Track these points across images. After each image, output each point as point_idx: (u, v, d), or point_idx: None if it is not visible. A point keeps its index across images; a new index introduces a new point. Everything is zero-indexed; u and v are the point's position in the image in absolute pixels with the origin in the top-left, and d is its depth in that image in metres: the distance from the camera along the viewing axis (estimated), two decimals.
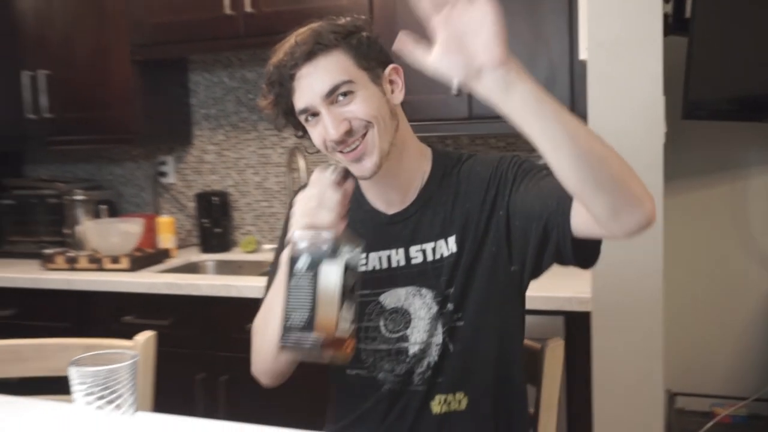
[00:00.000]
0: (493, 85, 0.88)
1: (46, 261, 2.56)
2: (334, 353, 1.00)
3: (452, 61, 0.88)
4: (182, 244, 2.87)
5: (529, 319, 1.32)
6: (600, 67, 1.79)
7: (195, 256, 2.74)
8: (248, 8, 2.42)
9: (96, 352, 1.05)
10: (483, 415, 1.22)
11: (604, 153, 0.94)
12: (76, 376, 1.00)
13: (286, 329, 1.01)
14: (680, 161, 2.30)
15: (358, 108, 1.14)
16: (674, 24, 2.00)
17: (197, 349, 2.27)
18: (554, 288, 1.93)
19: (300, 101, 1.15)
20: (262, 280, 1.38)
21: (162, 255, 2.66)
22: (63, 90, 2.71)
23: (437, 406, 1.21)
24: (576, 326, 1.90)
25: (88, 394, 1.01)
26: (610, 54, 1.77)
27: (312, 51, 1.14)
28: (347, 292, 1.00)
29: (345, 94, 1.14)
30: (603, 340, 1.85)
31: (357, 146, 1.14)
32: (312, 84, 1.14)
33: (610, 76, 1.78)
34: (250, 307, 1.34)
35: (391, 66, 1.23)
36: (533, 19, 2.15)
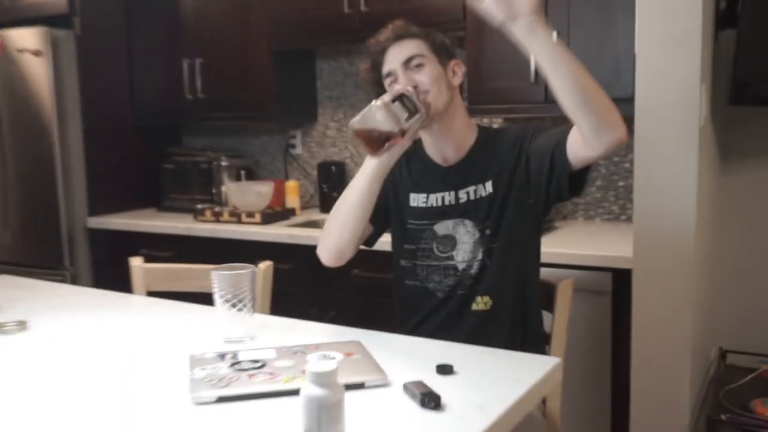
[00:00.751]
0: (523, 28, 1.32)
1: (197, 214, 3.17)
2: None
3: (500, 8, 1.31)
4: (305, 205, 3.40)
5: (581, 273, 1.69)
6: (647, 62, 2.09)
7: (315, 215, 3.26)
8: (363, 8, 2.87)
9: (230, 265, 1.55)
10: (505, 315, 1.62)
11: (593, 89, 1.36)
12: (215, 278, 1.51)
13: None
14: (738, 142, 2.53)
15: (424, 76, 1.59)
16: (726, 19, 2.24)
17: (310, 288, 2.79)
18: (603, 248, 2.27)
19: (386, 67, 1.62)
20: None
21: (288, 213, 3.20)
22: (214, 75, 3.31)
23: (475, 305, 1.62)
24: (621, 282, 2.23)
25: (221, 294, 1.51)
26: (655, 50, 2.07)
27: (400, 35, 1.61)
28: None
29: (418, 66, 1.59)
30: (642, 294, 2.16)
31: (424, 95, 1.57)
32: (396, 55, 1.61)
33: (655, 70, 2.08)
34: (363, 255, 1.79)
35: (455, 60, 1.65)
36: (605, 15, 2.45)
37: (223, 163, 3.40)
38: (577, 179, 1.54)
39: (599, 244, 2.42)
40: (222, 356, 1.32)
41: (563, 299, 1.66)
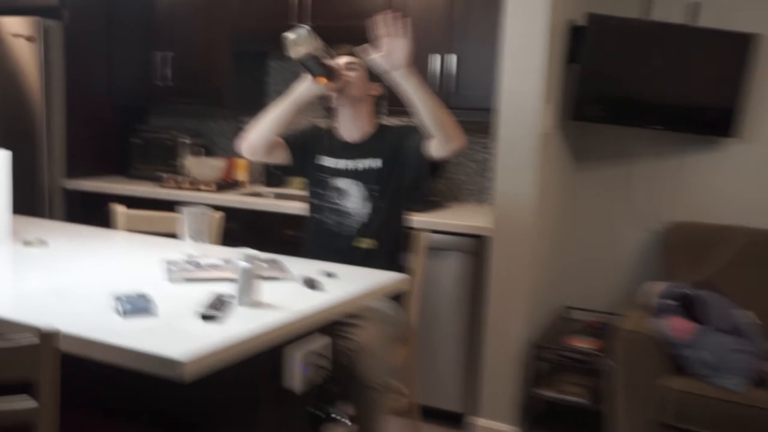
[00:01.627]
0: (400, 76, 2.08)
1: (161, 182, 3.83)
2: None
3: (385, 61, 2.06)
4: (252, 180, 4.09)
5: (457, 238, 2.45)
6: (507, 85, 2.86)
7: (259, 188, 3.95)
8: (310, 22, 3.58)
9: (193, 205, 2.25)
10: (384, 254, 2.35)
11: (443, 115, 2.14)
12: (184, 212, 2.20)
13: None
14: (589, 148, 3.34)
15: (353, 74, 2.32)
16: (572, 56, 3.03)
17: (251, 245, 3.47)
18: (472, 220, 3.04)
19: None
20: (298, 205, 2.56)
21: (237, 184, 3.90)
22: (181, 67, 3.97)
23: (362, 244, 2.35)
24: (484, 245, 3.00)
25: (187, 224, 2.20)
26: (512, 77, 2.84)
27: (350, 53, 2.35)
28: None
29: (352, 68, 2.32)
30: (497, 255, 2.94)
31: (350, 88, 2.32)
32: (343, 58, 2.35)
33: (512, 91, 2.85)
34: (291, 220, 2.50)
35: (378, 83, 2.38)
36: (491, 45, 3.20)
37: (184, 141, 4.07)
38: (435, 167, 2.28)
39: (470, 217, 3.19)
40: (186, 261, 2.02)
41: (419, 245, 2.41)
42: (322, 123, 2.57)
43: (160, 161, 4.11)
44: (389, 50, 2.07)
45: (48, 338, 1.21)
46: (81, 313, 1.52)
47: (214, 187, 3.72)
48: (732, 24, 3.04)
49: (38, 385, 1.21)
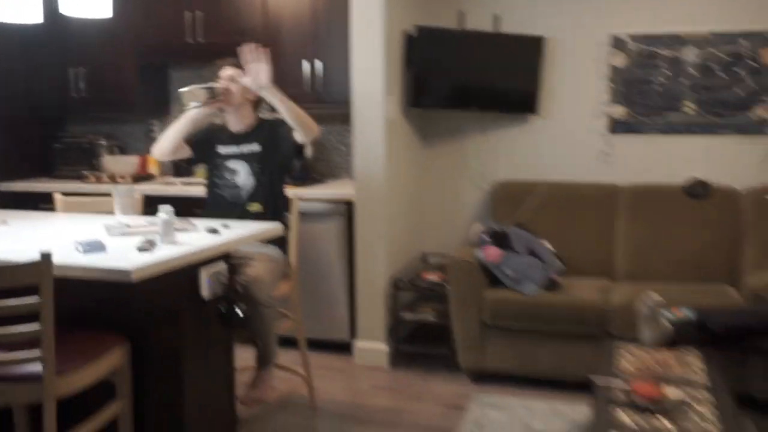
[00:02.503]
0: (266, 92, 2.94)
1: (83, 179, 4.52)
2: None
3: (253, 83, 2.91)
4: (163, 172, 4.82)
5: (332, 205, 3.33)
6: (358, 81, 3.74)
7: (169, 178, 4.69)
8: (201, 40, 4.36)
9: (122, 186, 3.01)
10: (269, 215, 3.17)
11: (302, 116, 3.00)
12: (116, 190, 2.97)
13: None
14: (432, 129, 4.28)
15: (233, 87, 3.11)
16: (408, 58, 3.95)
17: None
18: (342, 190, 3.91)
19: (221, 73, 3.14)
20: (202, 189, 3.37)
21: (150, 177, 4.64)
22: (94, 80, 4.66)
23: (252, 208, 3.17)
24: (350, 209, 3.88)
25: (118, 200, 2.97)
26: (361, 75, 3.72)
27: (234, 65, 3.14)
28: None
29: (234, 81, 3.12)
30: (360, 216, 3.82)
31: (231, 97, 3.12)
32: (227, 71, 3.15)
33: (362, 85, 3.73)
34: (198, 201, 3.29)
35: (254, 92, 3.19)
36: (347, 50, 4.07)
37: (102, 143, 4.77)
38: (299, 150, 3.13)
39: (341, 188, 4.06)
40: (120, 224, 2.80)
41: (294, 208, 3.27)
42: (218, 120, 3.38)
43: (82, 161, 4.79)
44: (255, 74, 2.92)
45: (46, 258, 1.98)
46: (54, 253, 2.29)
47: (130, 180, 4.44)
48: (526, 30, 4.03)
49: (41, 286, 1.98)
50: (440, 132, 4.35)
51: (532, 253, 3.62)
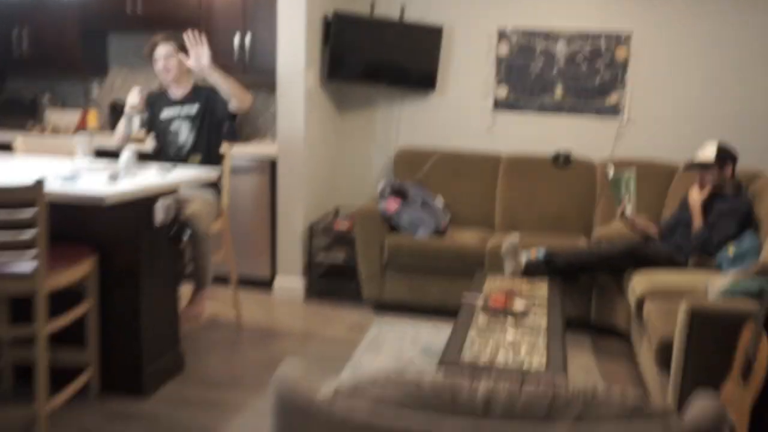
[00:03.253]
0: (206, 71, 3.55)
1: (27, 129, 4.95)
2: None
3: (195, 65, 3.52)
4: (101, 127, 5.30)
5: (259, 162, 3.92)
6: (282, 55, 4.36)
7: (107, 132, 5.17)
8: (139, 11, 4.85)
9: (82, 133, 3.55)
10: (208, 163, 3.77)
11: (237, 89, 3.62)
12: (77, 136, 3.50)
13: None
14: (346, 100, 4.95)
15: (171, 63, 3.69)
16: (326, 38, 4.60)
17: None
18: (268, 149, 4.55)
19: (156, 54, 3.70)
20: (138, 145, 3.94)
21: (89, 130, 5.11)
22: (37, 41, 5.07)
23: (193, 161, 3.77)
24: (274, 166, 4.52)
25: (79, 145, 3.51)
26: (285, 48, 4.35)
27: (166, 39, 3.69)
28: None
29: (169, 57, 3.69)
30: (282, 173, 4.47)
31: (170, 72, 3.69)
32: (161, 50, 3.71)
33: (285, 58, 4.36)
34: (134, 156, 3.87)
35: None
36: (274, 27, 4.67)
37: (45, 97, 5.19)
38: (233, 115, 3.76)
39: (267, 147, 4.69)
40: (80, 169, 3.34)
41: (227, 160, 3.89)
42: (156, 89, 3.92)
43: (26, 114, 5.20)
44: (196, 57, 3.51)
45: (40, 182, 2.55)
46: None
47: (71, 132, 4.91)
48: (428, 19, 4.76)
49: (37, 202, 2.54)
50: (353, 103, 5.04)
51: (426, 205, 4.38)
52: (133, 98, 3.67)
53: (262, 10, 4.65)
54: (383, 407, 1.13)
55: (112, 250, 2.99)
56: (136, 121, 3.71)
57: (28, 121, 5.12)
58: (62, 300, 2.84)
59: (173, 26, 4.22)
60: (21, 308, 2.91)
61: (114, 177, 2.95)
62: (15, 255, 2.59)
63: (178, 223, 3.24)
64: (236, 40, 4.72)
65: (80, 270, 2.82)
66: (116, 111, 5.22)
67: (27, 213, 2.54)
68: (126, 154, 3.05)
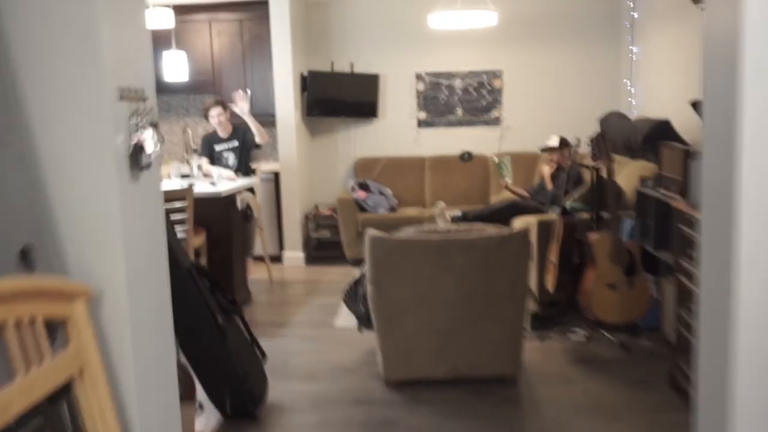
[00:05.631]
0: (247, 117, 5.73)
1: None
2: None
3: (241, 113, 5.74)
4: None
5: (269, 175, 6.12)
6: (279, 99, 6.58)
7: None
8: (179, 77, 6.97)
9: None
10: (246, 175, 5.98)
11: (260, 130, 5.83)
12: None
13: None
14: (318, 128, 7.23)
15: (224, 120, 5.88)
16: (304, 87, 6.86)
17: None
18: (272, 166, 6.77)
19: (211, 114, 5.86)
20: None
21: None
22: None
23: (237, 175, 5.95)
24: (278, 177, 6.72)
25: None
26: (281, 92, 6.57)
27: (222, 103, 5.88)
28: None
29: (222, 115, 5.88)
30: (284, 182, 6.67)
31: (221, 124, 5.87)
32: (214, 111, 5.87)
33: (282, 101, 6.57)
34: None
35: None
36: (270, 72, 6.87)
37: None
38: (258, 146, 5.95)
39: (273, 165, 6.89)
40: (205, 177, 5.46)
41: (258, 174, 6.09)
42: (208, 133, 6.08)
43: None
44: (241, 108, 5.69)
45: (190, 185, 4.68)
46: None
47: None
48: (369, 69, 7.10)
49: (186, 197, 4.67)
50: (323, 130, 7.29)
51: (381, 194, 6.68)
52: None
53: (257, 72, 6.86)
54: (418, 234, 3.43)
55: (214, 227, 5.13)
56: (204, 160, 5.82)
57: None
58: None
59: (194, 89, 6.38)
60: None
61: (213, 183, 5.10)
62: (178, 228, 4.71)
63: (247, 210, 5.42)
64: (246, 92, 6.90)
65: (201, 238, 4.95)
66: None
67: (181, 204, 4.68)
68: (216, 171, 5.21)
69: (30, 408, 1.23)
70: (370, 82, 7.12)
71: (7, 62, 1.50)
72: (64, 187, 1.55)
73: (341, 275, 6.32)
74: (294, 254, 6.79)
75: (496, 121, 7.21)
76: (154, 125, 1.79)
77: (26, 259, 1.40)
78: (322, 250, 6.99)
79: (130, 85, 1.66)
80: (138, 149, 1.74)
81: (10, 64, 1.50)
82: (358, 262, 6.66)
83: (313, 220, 6.91)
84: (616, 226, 4.23)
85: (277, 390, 3.65)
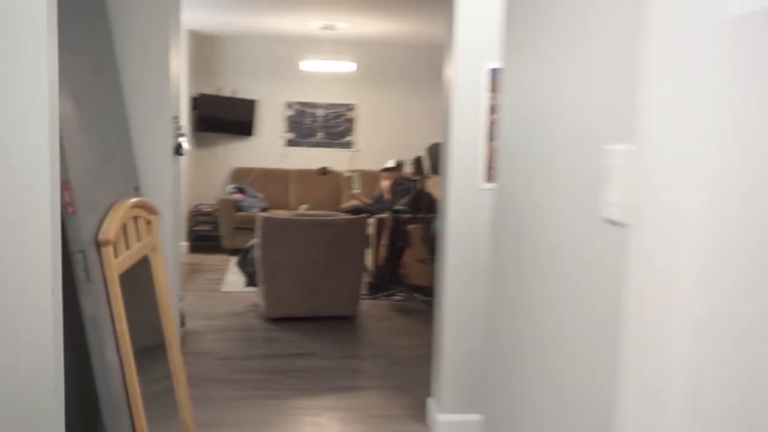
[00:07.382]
0: None
1: None
2: None
3: None
4: None
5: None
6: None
7: None
8: None
9: None
10: None
11: None
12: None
13: None
14: (205, 142, 8.74)
15: None
16: (195, 107, 8.35)
17: None
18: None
19: None
20: None
21: None
22: None
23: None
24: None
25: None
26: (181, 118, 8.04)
27: None
28: None
29: None
30: (184, 180, 8.11)
31: None
32: None
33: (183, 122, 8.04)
34: None
35: None
36: None
37: None
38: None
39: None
40: None
41: None
42: None
43: None
44: None
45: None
46: None
47: None
48: (249, 95, 8.71)
49: None
50: (208, 143, 8.79)
51: (255, 197, 8.29)
52: None
53: None
54: (294, 216, 5.13)
55: None
56: None
57: None
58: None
59: None
60: None
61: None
62: None
63: None
64: None
65: None
66: None
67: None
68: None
69: (137, 261, 2.79)
70: (249, 106, 8.72)
71: (122, 95, 3.06)
72: (149, 162, 3.13)
73: (220, 261, 7.84)
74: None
75: (349, 144, 9.05)
76: (183, 135, 3.41)
77: (137, 191, 2.95)
78: (203, 241, 8.46)
79: (174, 113, 3.28)
80: (178, 146, 3.37)
81: (125, 96, 3.08)
82: (234, 251, 8.23)
83: (196, 216, 8.38)
84: (427, 221, 6.15)
85: (189, 325, 5.18)
